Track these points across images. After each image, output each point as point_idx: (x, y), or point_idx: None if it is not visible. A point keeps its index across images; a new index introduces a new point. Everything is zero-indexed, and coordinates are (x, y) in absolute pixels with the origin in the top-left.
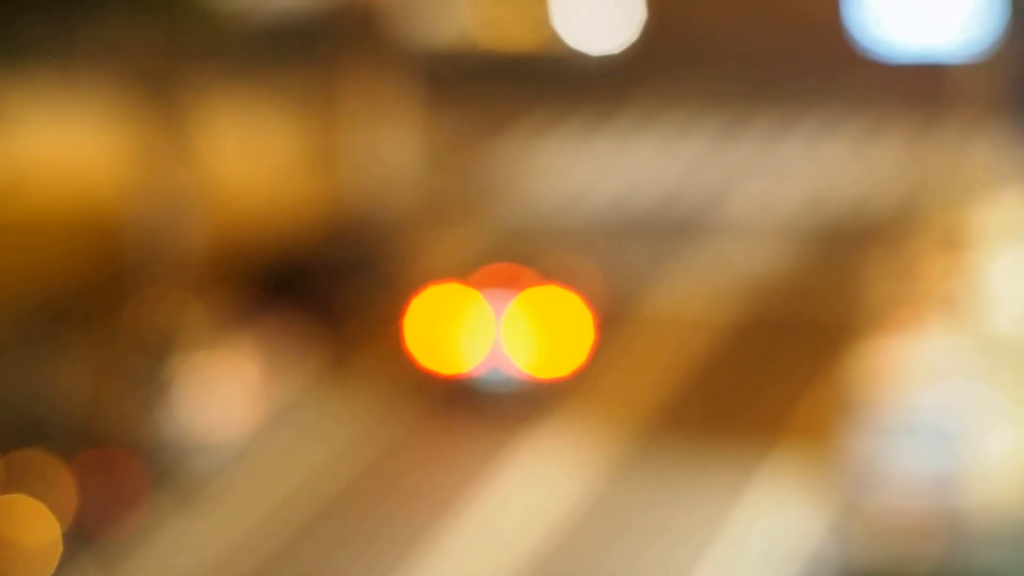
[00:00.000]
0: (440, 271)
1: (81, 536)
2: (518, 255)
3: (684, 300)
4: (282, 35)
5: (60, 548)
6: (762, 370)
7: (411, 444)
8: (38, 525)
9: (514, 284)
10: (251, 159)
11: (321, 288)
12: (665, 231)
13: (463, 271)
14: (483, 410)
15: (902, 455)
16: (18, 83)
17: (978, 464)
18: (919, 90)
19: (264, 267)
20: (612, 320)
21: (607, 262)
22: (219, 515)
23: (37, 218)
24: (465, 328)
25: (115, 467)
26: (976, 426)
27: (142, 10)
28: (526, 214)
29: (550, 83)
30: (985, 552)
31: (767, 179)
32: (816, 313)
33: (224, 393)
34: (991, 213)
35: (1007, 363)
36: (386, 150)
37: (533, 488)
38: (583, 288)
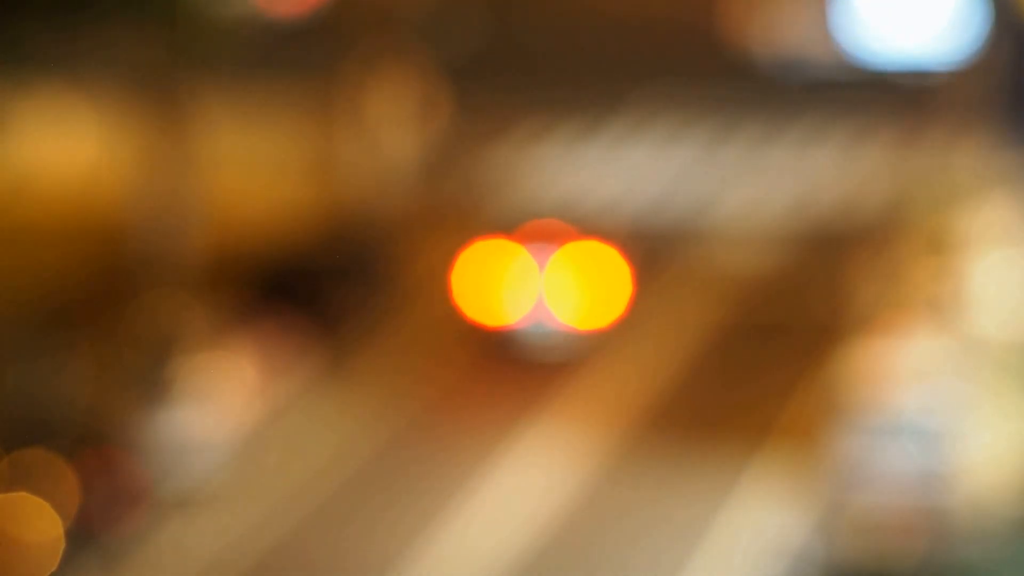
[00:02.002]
0: (485, 226)
1: (83, 534)
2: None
3: (675, 302)
4: (281, 41)
5: (62, 545)
6: (750, 371)
7: (408, 441)
8: (41, 523)
9: (556, 238)
10: (250, 163)
11: (319, 291)
12: (655, 235)
13: (507, 226)
14: (527, 361)
15: (888, 454)
16: (21, 89)
17: (962, 463)
18: (904, 96)
19: (263, 270)
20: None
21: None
22: (219, 514)
23: (40, 222)
24: (510, 282)
25: (116, 466)
26: (960, 426)
27: (144, 17)
28: (517, 216)
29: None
30: (969, 549)
31: (755, 184)
32: (804, 315)
33: (223, 393)
34: (975, 217)
35: (991, 364)
36: (384, 154)
37: (522, 488)
38: (620, 243)
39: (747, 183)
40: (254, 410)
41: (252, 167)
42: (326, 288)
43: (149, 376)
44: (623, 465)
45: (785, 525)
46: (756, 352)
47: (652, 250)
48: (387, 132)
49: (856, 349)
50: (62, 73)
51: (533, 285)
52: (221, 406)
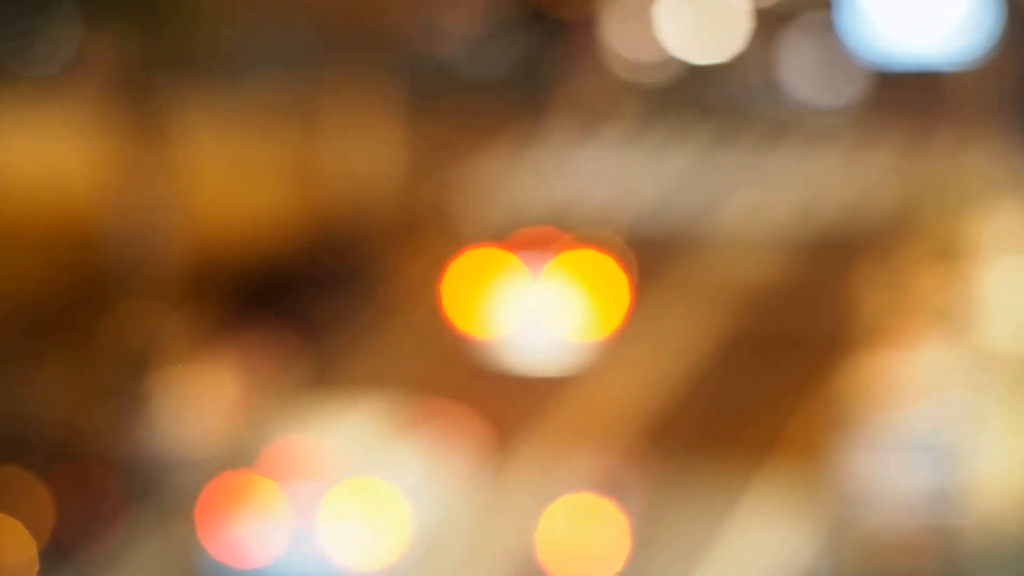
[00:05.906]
0: (477, 234)
1: (58, 554)
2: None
3: (674, 312)
4: (264, 45)
5: (36, 567)
6: (754, 384)
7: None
8: (14, 543)
9: (550, 247)
10: (232, 169)
11: (303, 301)
12: (653, 243)
13: (500, 234)
14: (521, 374)
15: (896, 471)
16: None
17: (973, 480)
18: (913, 98)
19: (245, 279)
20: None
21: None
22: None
23: (13, 229)
24: (502, 291)
25: (93, 483)
26: (971, 442)
27: (122, 19)
28: (510, 224)
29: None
30: (980, 569)
31: (758, 189)
32: (808, 326)
33: (204, 407)
34: (987, 223)
35: (1003, 377)
36: (370, 159)
37: (515, 506)
38: (617, 251)
39: (749, 188)
40: (235, 424)
41: (234, 173)
42: (311, 298)
43: (127, 389)
44: (621, 482)
45: (790, 544)
46: (759, 364)
47: (650, 258)
48: (373, 137)
49: (863, 361)
50: (37, 75)
51: (527, 295)
52: (201, 420)
